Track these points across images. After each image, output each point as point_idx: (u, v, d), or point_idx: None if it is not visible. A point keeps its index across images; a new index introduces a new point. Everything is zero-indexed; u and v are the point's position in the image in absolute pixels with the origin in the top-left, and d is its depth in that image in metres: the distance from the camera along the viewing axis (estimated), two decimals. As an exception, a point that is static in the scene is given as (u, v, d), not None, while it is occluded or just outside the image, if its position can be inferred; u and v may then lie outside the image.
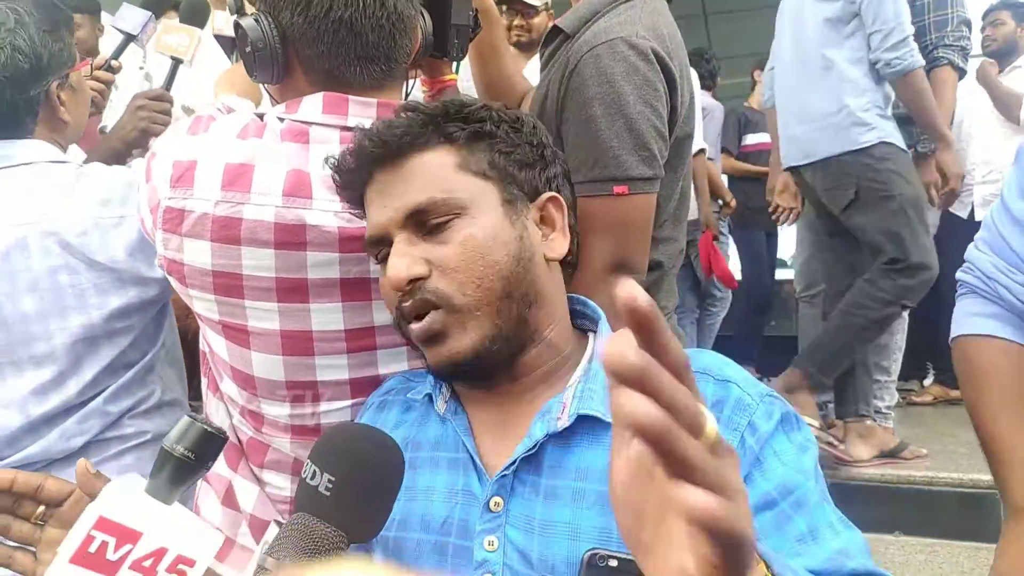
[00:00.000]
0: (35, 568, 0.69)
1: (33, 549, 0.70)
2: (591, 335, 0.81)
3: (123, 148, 1.61)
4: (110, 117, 1.81)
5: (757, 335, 4.45)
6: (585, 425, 0.70)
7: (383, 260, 0.77)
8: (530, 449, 0.70)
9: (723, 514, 0.34)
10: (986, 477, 2.25)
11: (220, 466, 0.99)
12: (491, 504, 0.71)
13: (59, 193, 1.13)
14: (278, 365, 0.89)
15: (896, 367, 2.76)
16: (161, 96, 1.65)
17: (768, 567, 0.45)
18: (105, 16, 2.38)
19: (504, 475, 0.71)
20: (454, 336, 0.72)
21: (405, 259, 0.72)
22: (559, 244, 0.79)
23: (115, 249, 1.12)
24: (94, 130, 1.94)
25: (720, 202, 4.06)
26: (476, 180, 0.75)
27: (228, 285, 0.87)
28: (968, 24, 2.59)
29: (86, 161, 1.73)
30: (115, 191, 1.14)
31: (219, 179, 0.85)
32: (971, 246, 1.08)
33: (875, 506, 2.34)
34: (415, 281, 0.72)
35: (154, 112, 1.62)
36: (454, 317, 0.72)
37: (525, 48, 2.92)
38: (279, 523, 0.66)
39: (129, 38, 1.65)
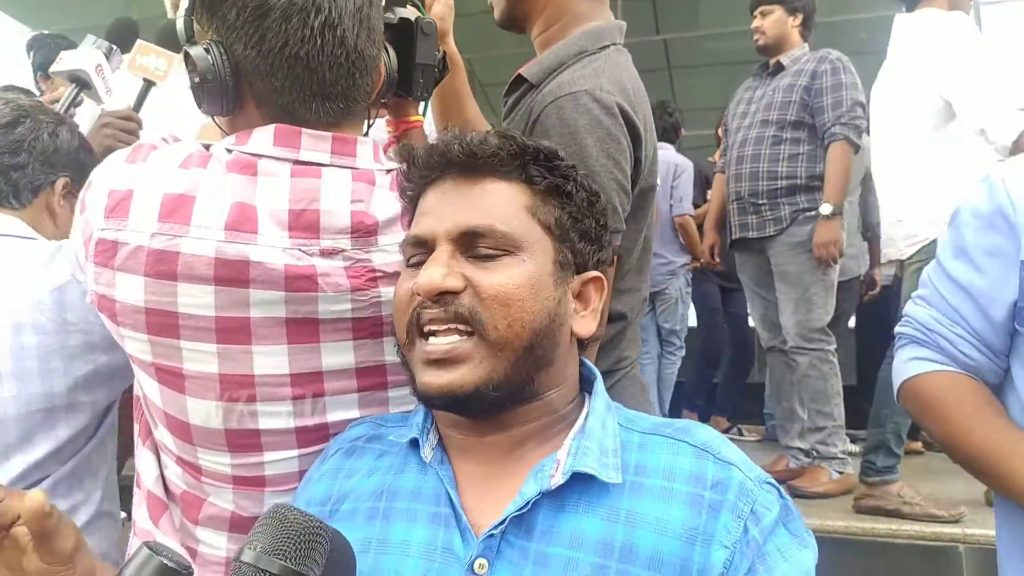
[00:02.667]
0: None
1: None
2: (586, 395, 0.78)
3: None
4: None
5: (704, 384, 4.56)
6: (580, 485, 0.67)
7: (414, 265, 0.74)
8: (522, 508, 0.66)
9: None
10: (948, 530, 2.26)
11: (143, 520, 0.92)
12: (475, 566, 0.65)
13: (36, 261, 1.07)
14: (216, 412, 0.83)
15: (838, 412, 2.85)
16: (128, 116, 1.59)
17: None
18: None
19: (492, 535, 0.66)
20: (468, 366, 0.68)
21: (443, 268, 0.69)
22: (588, 323, 0.76)
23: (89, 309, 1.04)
24: None
25: (689, 257, 4.12)
26: (538, 229, 0.73)
27: (162, 324, 0.81)
28: (862, 105, 2.85)
29: None
30: None
31: (156, 210, 0.80)
32: (909, 302, 1.10)
33: (838, 559, 2.31)
34: (446, 294, 0.69)
35: (119, 131, 1.57)
36: (479, 347, 0.68)
37: None
38: None
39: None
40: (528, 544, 0.66)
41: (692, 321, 4.33)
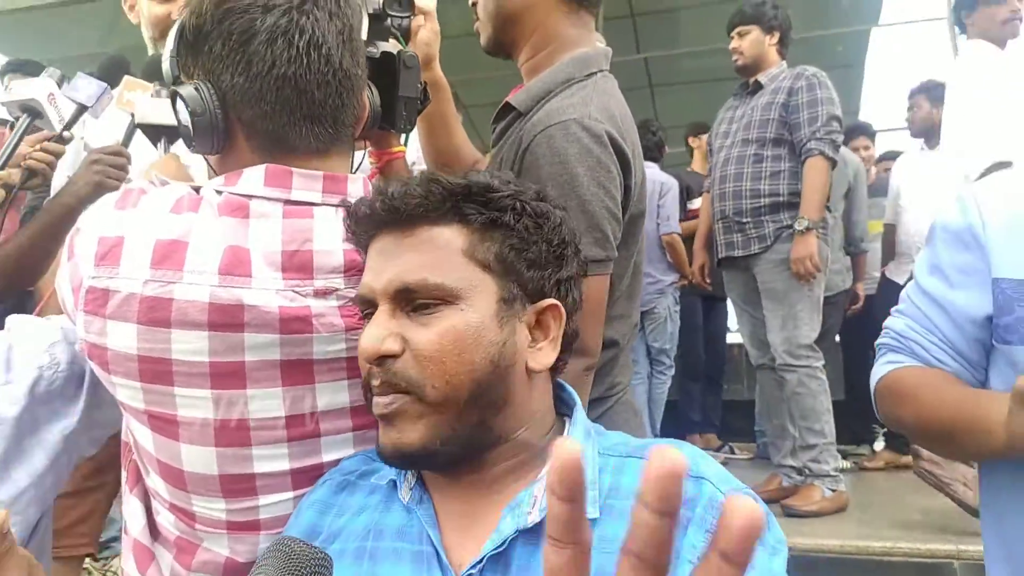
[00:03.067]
0: None
1: None
2: (567, 421, 0.77)
3: (76, 204, 1.52)
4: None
5: (694, 401, 4.55)
6: None
7: (368, 318, 0.74)
8: (499, 547, 0.66)
9: None
10: (943, 547, 2.27)
11: (132, 570, 0.90)
12: None
13: None
14: (211, 457, 0.82)
15: (829, 429, 2.84)
16: (118, 151, 1.58)
17: None
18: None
19: (470, 574, 0.66)
20: (409, 425, 0.69)
21: (382, 332, 0.70)
22: (545, 356, 0.75)
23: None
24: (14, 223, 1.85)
25: (678, 275, 4.15)
26: (477, 271, 0.71)
27: (156, 371, 0.80)
28: (838, 119, 2.89)
29: (33, 218, 1.63)
30: None
31: (148, 257, 0.79)
32: (889, 317, 1.12)
33: (835, 578, 2.31)
34: (386, 358, 0.70)
35: (109, 167, 1.55)
36: (417, 406, 0.69)
37: None
38: None
39: (82, 109, 1.59)
40: None
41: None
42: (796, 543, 2.37)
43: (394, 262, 0.72)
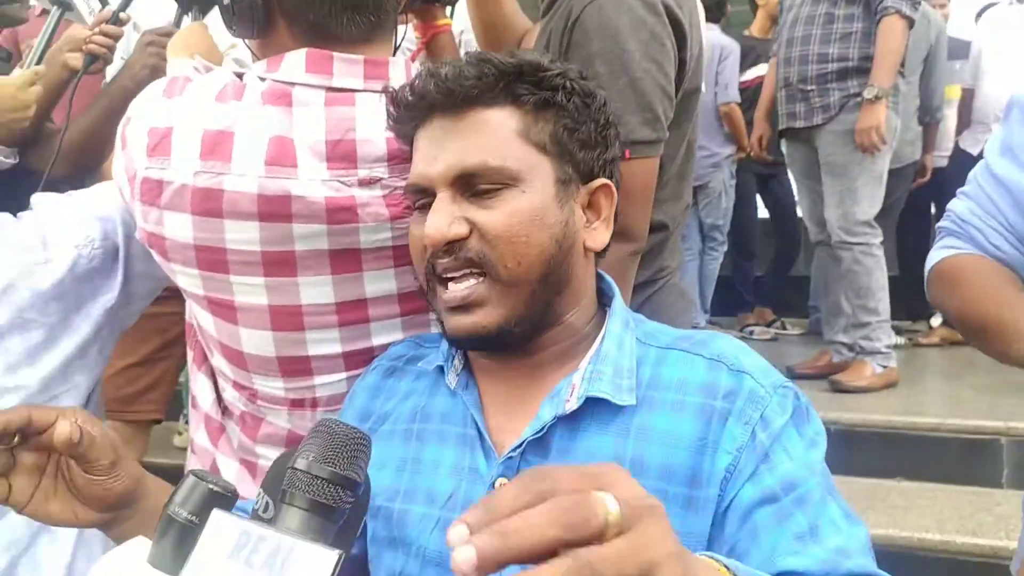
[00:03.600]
0: (7, 495, 0.65)
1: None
2: (607, 311, 0.78)
3: (134, 87, 1.50)
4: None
5: (746, 278, 4.48)
6: (594, 407, 0.69)
7: (420, 208, 0.74)
8: (538, 432, 0.68)
9: None
10: (991, 423, 2.27)
11: (203, 441, 0.97)
12: (496, 485, 0.69)
13: None
14: (268, 341, 0.86)
15: (883, 307, 2.79)
16: (171, 33, 1.56)
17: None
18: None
19: (511, 456, 0.69)
20: (487, 308, 0.69)
21: (446, 217, 0.68)
22: (601, 235, 0.75)
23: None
24: (96, 86, 1.86)
25: (735, 147, 3.98)
26: (534, 152, 0.70)
27: (212, 259, 0.83)
28: None
29: (90, 108, 1.65)
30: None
31: (197, 148, 0.80)
32: (954, 199, 1.08)
33: (879, 452, 2.35)
34: (454, 242, 0.69)
35: (164, 48, 1.54)
36: (494, 288, 0.69)
37: None
38: None
39: None
40: (545, 463, 0.68)
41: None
42: (842, 417, 2.41)
43: (449, 147, 0.70)
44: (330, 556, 0.45)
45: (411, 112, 0.74)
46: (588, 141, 0.73)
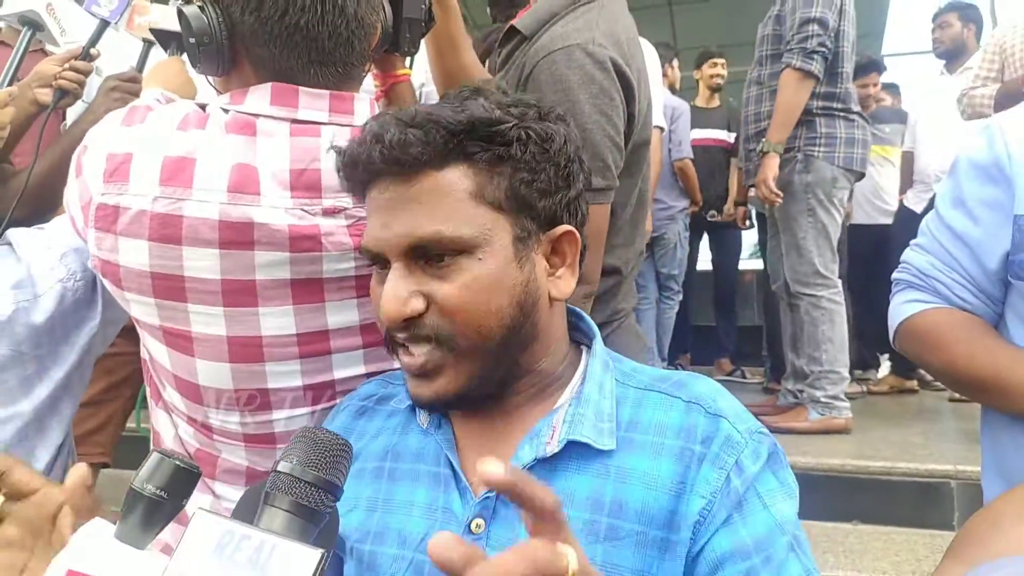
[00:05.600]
0: None
1: None
2: (584, 350, 0.78)
3: None
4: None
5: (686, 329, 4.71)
6: (573, 450, 0.68)
7: (379, 268, 0.72)
8: None
9: None
10: (940, 467, 2.32)
11: None
12: (472, 526, 0.68)
13: None
14: (226, 373, 0.85)
15: (828, 358, 2.81)
16: (134, 78, 1.56)
17: None
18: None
19: (488, 496, 0.68)
20: (447, 376, 0.69)
21: (402, 293, 0.67)
22: (566, 282, 0.73)
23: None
24: (55, 128, 1.85)
25: (689, 201, 4.12)
26: (490, 212, 0.67)
27: (169, 287, 0.82)
28: (814, 21, 2.57)
29: (50, 150, 1.64)
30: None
31: (157, 173, 0.80)
32: (908, 249, 1.11)
33: (834, 495, 2.38)
34: (411, 319, 0.68)
35: (127, 94, 1.54)
36: (451, 357, 0.68)
37: None
38: None
39: (104, 24, 1.53)
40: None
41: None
42: (797, 462, 2.43)
43: (401, 215, 0.67)
44: (313, 554, 0.46)
45: (359, 175, 0.71)
46: (548, 188, 0.70)
